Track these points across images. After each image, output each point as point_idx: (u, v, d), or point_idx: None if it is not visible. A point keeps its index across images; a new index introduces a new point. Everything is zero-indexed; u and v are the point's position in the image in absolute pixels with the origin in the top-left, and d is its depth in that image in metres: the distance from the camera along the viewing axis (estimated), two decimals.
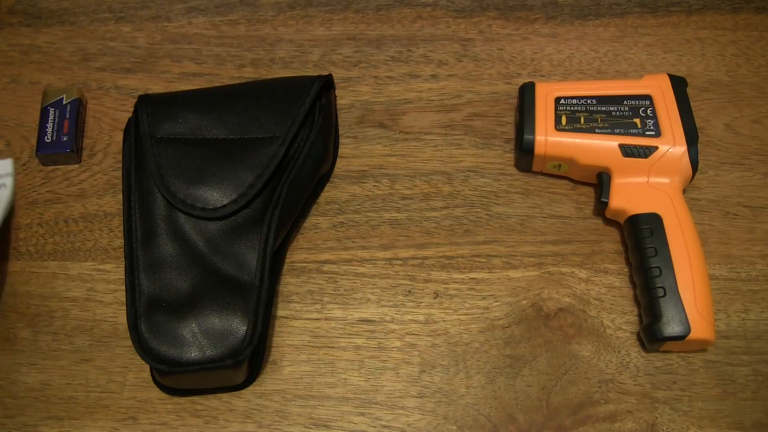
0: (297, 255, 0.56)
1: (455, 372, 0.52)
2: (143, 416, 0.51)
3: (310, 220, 0.58)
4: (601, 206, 0.55)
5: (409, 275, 0.55)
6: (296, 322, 0.54)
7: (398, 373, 0.52)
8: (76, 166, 0.61)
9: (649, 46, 0.64)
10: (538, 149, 0.55)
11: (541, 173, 0.58)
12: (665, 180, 0.54)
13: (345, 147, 0.60)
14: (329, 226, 0.57)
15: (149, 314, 0.50)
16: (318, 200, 0.58)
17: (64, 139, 0.59)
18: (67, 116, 0.60)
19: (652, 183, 0.54)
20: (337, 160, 0.60)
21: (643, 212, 0.53)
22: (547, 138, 0.55)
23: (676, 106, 0.55)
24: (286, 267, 0.56)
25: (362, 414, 0.51)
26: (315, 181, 0.57)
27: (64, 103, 0.61)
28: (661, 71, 0.63)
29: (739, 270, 0.55)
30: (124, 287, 0.54)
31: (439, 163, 0.59)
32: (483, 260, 0.56)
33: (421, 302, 0.54)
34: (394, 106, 0.62)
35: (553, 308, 0.53)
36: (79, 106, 0.61)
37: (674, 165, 0.54)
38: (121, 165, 0.59)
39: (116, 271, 0.56)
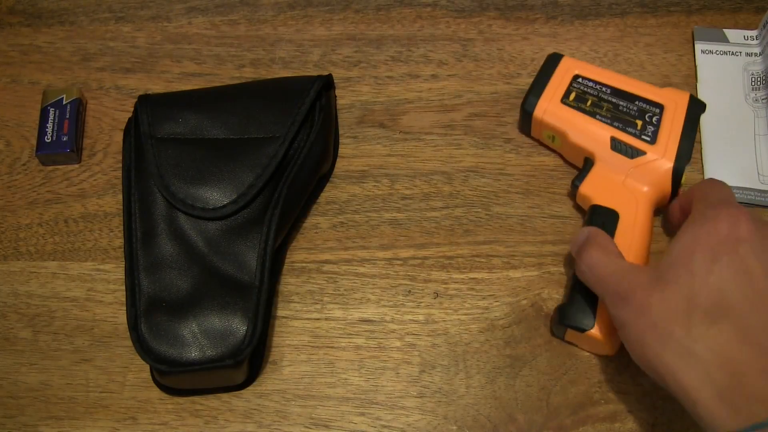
0: (297, 255, 0.56)
1: (455, 372, 0.52)
2: (143, 416, 0.51)
3: (310, 220, 0.58)
4: (573, 189, 0.55)
5: (409, 275, 0.55)
6: (296, 322, 0.54)
7: (398, 373, 0.52)
8: (76, 166, 0.61)
9: (649, 46, 0.64)
10: (537, 113, 0.57)
11: (538, 141, 0.60)
12: (641, 187, 0.53)
13: (345, 147, 0.60)
14: (329, 226, 0.57)
15: (149, 314, 0.50)
16: (318, 200, 0.58)
17: (64, 139, 0.59)
18: (67, 116, 0.60)
19: (627, 184, 0.54)
20: (337, 160, 0.60)
21: (605, 205, 0.53)
22: (549, 106, 0.57)
23: (682, 124, 0.55)
24: (286, 267, 0.56)
25: (362, 414, 0.51)
26: (315, 181, 0.57)
27: (64, 103, 0.61)
28: (661, 71, 0.63)
29: None
30: (124, 287, 0.54)
31: (439, 163, 0.59)
32: (483, 260, 0.56)
33: (421, 302, 0.54)
34: (394, 106, 0.62)
35: (553, 308, 0.53)
36: (79, 106, 0.61)
37: (655, 176, 0.53)
38: (121, 165, 0.59)
39: (116, 271, 0.56)
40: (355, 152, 0.60)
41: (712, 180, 0.50)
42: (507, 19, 0.66)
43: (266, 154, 0.54)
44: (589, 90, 0.57)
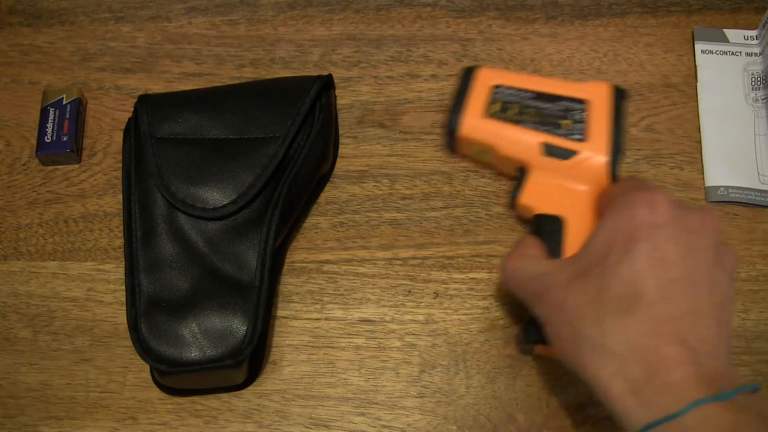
0: (297, 255, 0.56)
1: (455, 372, 0.52)
2: (143, 416, 0.51)
3: (310, 220, 0.58)
4: (511, 201, 0.54)
5: (409, 275, 0.55)
6: (296, 322, 0.54)
7: (398, 373, 0.52)
8: (76, 166, 0.61)
9: (649, 46, 0.64)
10: (462, 131, 0.55)
11: (467, 157, 0.58)
12: (581, 186, 0.53)
13: (345, 147, 0.60)
14: (329, 226, 0.57)
15: (149, 314, 0.50)
16: (318, 200, 0.58)
17: (64, 139, 0.59)
18: (67, 116, 0.60)
19: (566, 187, 0.53)
20: (337, 160, 0.60)
21: (548, 213, 0.52)
22: (473, 122, 0.55)
23: (609, 116, 0.54)
24: (286, 267, 0.56)
25: (362, 414, 0.51)
26: (315, 181, 0.57)
27: (64, 103, 0.61)
28: (661, 71, 0.63)
29: (739, 270, 0.55)
30: (124, 287, 0.54)
31: (439, 163, 0.59)
32: (483, 260, 0.56)
33: (421, 302, 0.54)
34: (394, 106, 0.62)
35: None
36: (79, 106, 0.61)
37: (592, 173, 0.53)
38: (121, 165, 0.59)
39: (116, 271, 0.56)
40: (355, 152, 0.60)
41: (631, 177, 0.50)
42: (507, 19, 0.66)
43: (266, 154, 0.54)
44: (511, 98, 0.55)
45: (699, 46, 0.63)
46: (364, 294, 0.55)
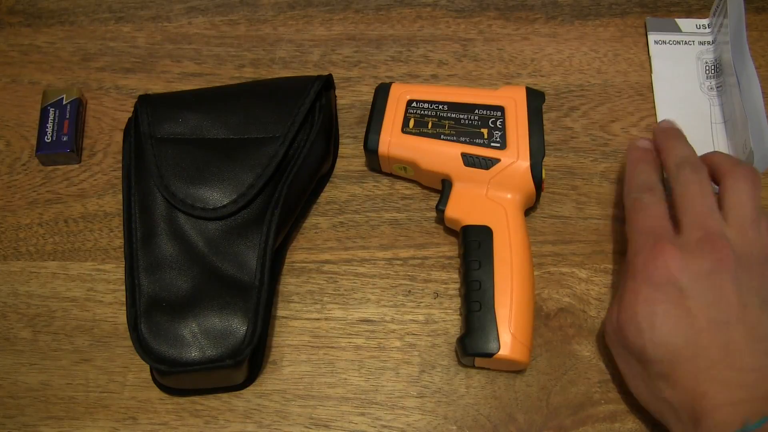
0: (297, 255, 0.56)
1: (455, 372, 0.52)
2: (143, 416, 0.51)
3: (310, 220, 0.58)
4: (438, 214, 0.54)
5: (409, 275, 0.55)
6: (296, 322, 0.54)
7: (398, 373, 0.52)
8: (76, 166, 0.61)
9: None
10: (382, 149, 0.55)
11: (391, 174, 0.58)
12: (505, 194, 0.53)
13: (345, 147, 0.60)
14: (329, 226, 0.57)
15: (149, 314, 0.50)
16: (318, 200, 0.58)
17: (64, 139, 0.59)
18: (67, 116, 0.60)
19: (491, 195, 0.53)
20: (337, 160, 0.60)
21: (475, 224, 0.52)
22: (392, 139, 0.55)
23: (526, 121, 0.54)
24: (286, 267, 0.56)
25: (362, 414, 0.51)
26: (315, 181, 0.57)
27: (64, 103, 0.61)
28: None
29: None
30: (124, 287, 0.54)
31: None
32: None
33: (421, 302, 0.54)
34: None
35: (553, 308, 0.53)
36: (79, 106, 0.61)
37: (515, 180, 0.53)
38: (121, 165, 0.59)
39: (116, 271, 0.56)
40: (355, 152, 0.60)
41: (630, 202, 0.50)
42: (507, 19, 0.66)
43: (266, 154, 0.54)
44: (426, 112, 0.55)
45: (652, 37, 0.63)
46: (364, 294, 0.55)
